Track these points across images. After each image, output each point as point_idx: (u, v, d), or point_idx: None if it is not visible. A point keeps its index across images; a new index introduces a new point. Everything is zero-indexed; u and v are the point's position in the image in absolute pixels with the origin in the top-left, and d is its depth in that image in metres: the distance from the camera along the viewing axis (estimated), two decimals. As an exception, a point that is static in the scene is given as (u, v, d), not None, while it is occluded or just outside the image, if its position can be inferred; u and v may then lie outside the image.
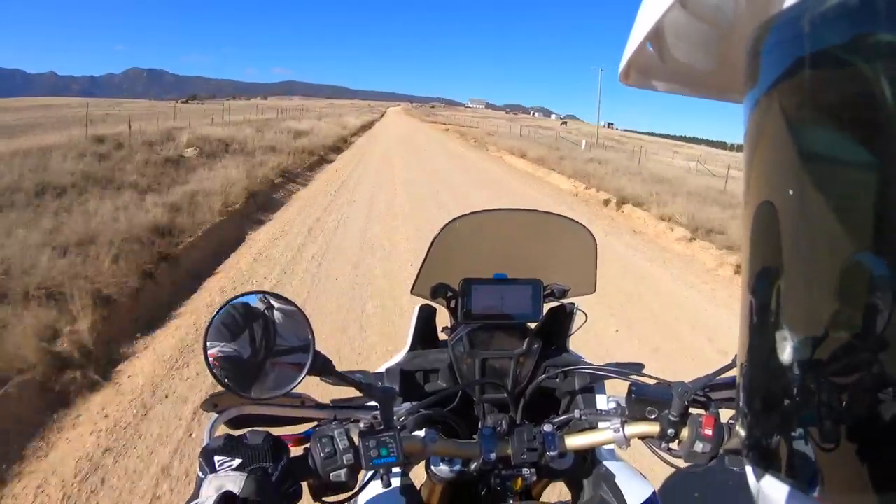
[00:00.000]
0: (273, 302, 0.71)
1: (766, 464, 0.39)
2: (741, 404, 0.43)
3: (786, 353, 0.37)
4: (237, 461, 0.64)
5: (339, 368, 0.74)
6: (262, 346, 0.70)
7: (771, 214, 0.38)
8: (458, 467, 0.85)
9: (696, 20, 0.47)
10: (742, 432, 0.43)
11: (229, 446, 0.65)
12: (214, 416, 0.79)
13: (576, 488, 0.95)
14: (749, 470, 0.42)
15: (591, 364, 1.02)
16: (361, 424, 0.71)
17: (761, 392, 0.41)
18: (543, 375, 1.01)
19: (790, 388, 0.37)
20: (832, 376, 0.35)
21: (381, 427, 0.72)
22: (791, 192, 0.36)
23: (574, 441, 0.82)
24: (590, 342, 3.50)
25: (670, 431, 0.77)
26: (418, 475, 0.93)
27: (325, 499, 0.72)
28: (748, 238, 0.41)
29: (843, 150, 0.34)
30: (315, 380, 0.73)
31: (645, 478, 0.93)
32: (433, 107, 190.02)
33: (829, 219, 0.35)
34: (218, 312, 0.68)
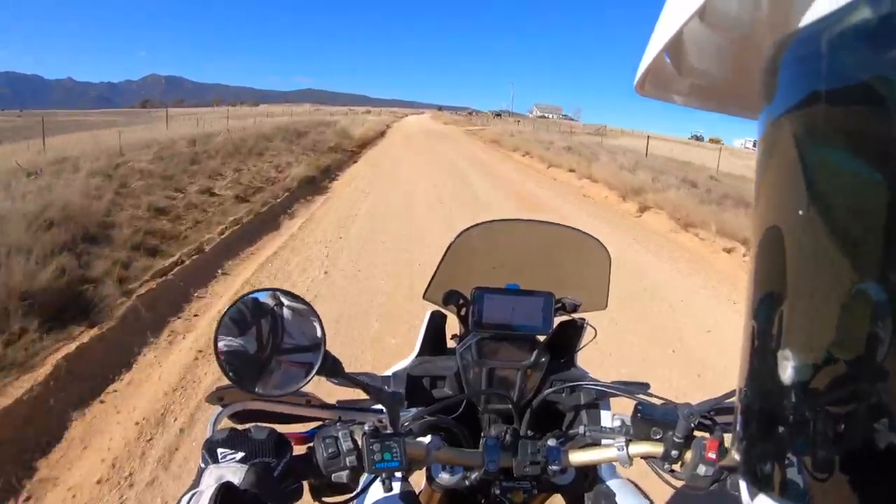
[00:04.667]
0: (284, 300, 0.72)
1: (762, 485, 0.39)
2: (738, 429, 0.43)
3: (787, 379, 0.36)
4: (240, 454, 0.64)
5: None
6: (269, 343, 0.70)
7: (778, 241, 0.38)
8: (459, 476, 0.85)
9: (716, 33, 0.46)
10: (737, 456, 0.43)
11: (233, 439, 0.66)
12: (219, 408, 0.79)
13: None
14: (743, 487, 0.41)
15: (597, 380, 1.01)
16: (366, 427, 0.71)
17: (760, 417, 0.41)
18: (550, 389, 1.01)
19: (789, 415, 0.37)
20: (832, 405, 0.34)
21: (387, 431, 0.72)
22: (801, 213, 0.35)
23: (577, 457, 0.82)
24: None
25: (674, 453, 0.76)
26: (418, 482, 0.93)
27: (324, 499, 0.72)
28: (754, 264, 0.40)
29: (856, 176, 0.34)
30: (319, 379, 0.73)
31: (646, 497, 0.92)
32: (471, 113, 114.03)
33: (838, 247, 0.34)
34: (230, 307, 0.69)
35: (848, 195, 0.34)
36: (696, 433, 0.76)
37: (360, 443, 0.70)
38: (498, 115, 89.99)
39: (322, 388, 0.82)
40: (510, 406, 0.97)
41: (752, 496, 0.39)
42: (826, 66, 0.33)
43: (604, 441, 0.83)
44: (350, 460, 0.68)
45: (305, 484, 0.70)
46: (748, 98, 0.50)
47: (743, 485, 0.41)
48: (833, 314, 0.34)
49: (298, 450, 0.72)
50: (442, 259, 1.09)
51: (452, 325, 1.17)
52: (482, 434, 0.93)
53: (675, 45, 0.48)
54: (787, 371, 0.36)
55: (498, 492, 0.86)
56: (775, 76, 0.38)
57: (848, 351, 0.33)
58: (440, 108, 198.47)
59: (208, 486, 0.58)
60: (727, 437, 0.75)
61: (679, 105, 0.59)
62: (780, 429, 0.38)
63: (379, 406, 0.78)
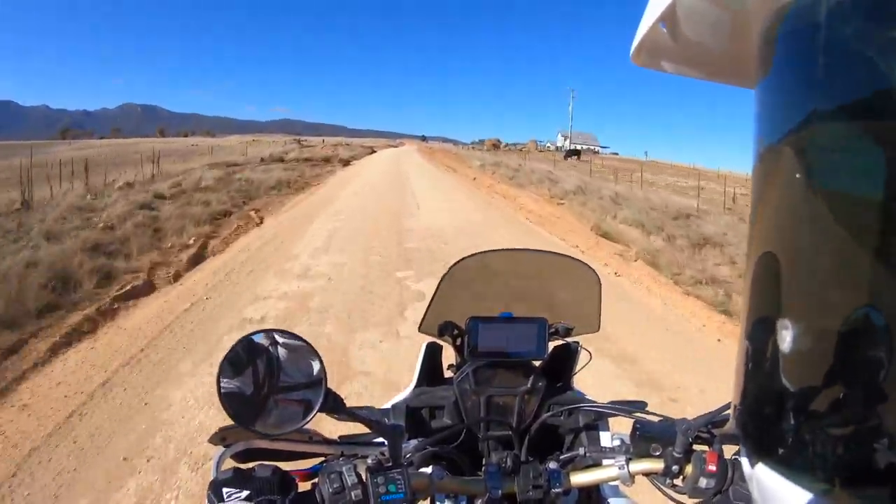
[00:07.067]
0: (279, 339, 0.72)
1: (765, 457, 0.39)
2: (739, 454, 0.43)
3: (779, 399, 0.37)
4: (245, 493, 0.64)
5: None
6: (265, 383, 0.71)
7: (772, 262, 0.38)
8: None
9: (710, 2, 0.46)
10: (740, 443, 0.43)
11: (238, 479, 0.66)
12: (222, 449, 0.79)
13: None
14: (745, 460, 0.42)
15: (595, 402, 1.03)
16: (369, 460, 0.72)
17: (755, 437, 0.41)
18: (548, 413, 1.02)
19: (787, 435, 0.37)
20: (830, 426, 0.35)
21: (389, 463, 0.72)
22: (798, 176, 0.35)
23: (579, 478, 0.82)
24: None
25: (674, 468, 0.77)
26: None
27: None
28: (749, 284, 0.41)
29: (852, 144, 0.33)
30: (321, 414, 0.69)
31: None
32: (496, 146, 76.39)
33: (832, 265, 0.34)
34: (229, 351, 0.69)
35: (843, 168, 0.34)
36: (695, 447, 0.78)
37: (364, 476, 0.70)
38: (575, 153, 48.15)
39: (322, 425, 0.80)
40: (510, 432, 0.98)
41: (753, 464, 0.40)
42: (823, 36, 0.33)
43: (604, 461, 0.84)
44: (355, 494, 0.68)
45: None
46: (744, 68, 0.50)
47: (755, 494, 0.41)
48: (828, 336, 0.34)
49: (303, 486, 0.71)
50: (435, 292, 1.11)
51: (449, 356, 1.18)
52: (483, 461, 0.93)
53: (671, 14, 0.48)
54: (782, 390, 0.36)
55: None
56: (772, 47, 0.38)
57: (843, 372, 0.33)
58: (424, 139, 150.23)
59: None
60: (726, 449, 0.77)
61: (674, 74, 0.59)
62: (779, 450, 0.38)
63: (380, 439, 0.78)
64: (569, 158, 41.01)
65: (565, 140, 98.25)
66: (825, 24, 0.33)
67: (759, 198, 0.41)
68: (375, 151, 46.98)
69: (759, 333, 0.40)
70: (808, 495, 0.35)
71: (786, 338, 0.37)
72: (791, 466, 0.37)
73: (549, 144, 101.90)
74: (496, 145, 73.33)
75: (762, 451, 0.40)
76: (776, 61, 0.38)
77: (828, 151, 0.35)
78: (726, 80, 0.58)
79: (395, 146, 73.17)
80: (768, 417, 0.39)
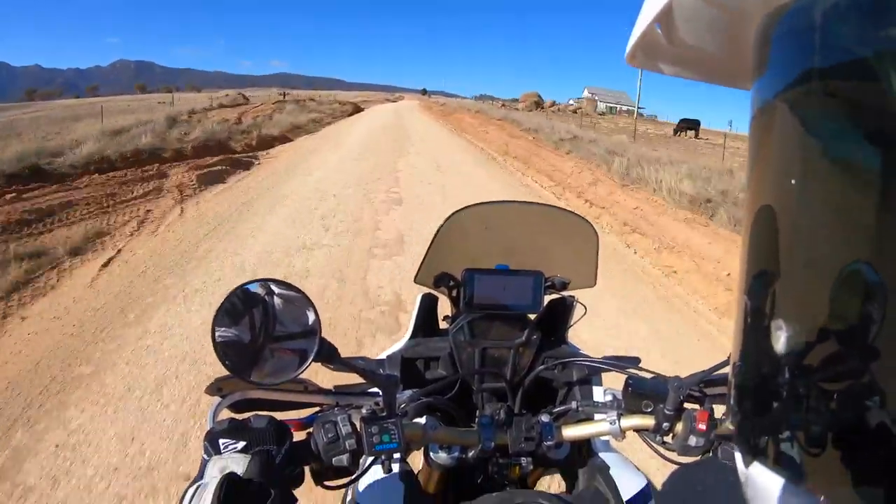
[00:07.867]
0: (274, 288, 0.71)
1: (756, 454, 0.40)
2: (732, 402, 0.43)
3: (779, 355, 0.37)
4: (241, 443, 0.65)
5: None
6: (261, 332, 0.70)
7: (771, 217, 0.38)
8: (456, 455, 0.86)
9: (707, 3, 0.46)
10: (732, 426, 0.44)
11: (234, 429, 0.66)
12: (218, 399, 0.80)
13: (571, 478, 0.97)
14: (738, 457, 0.42)
15: (589, 356, 1.03)
16: (363, 410, 0.72)
17: (753, 391, 0.41)
18: (542, 366, 1.03)
19: (782, 390, 0.37)
20: (823, 380, 0.35)
21: (384, 413, 0.73)
22: (794, 182, 0.35)
23: (571, 432, 0.83)
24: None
25: (665, 425, 0.78)
26: (416, 463, 0.94)
27: (326, 483, 0.73)
28: (747, 239, 0.40)
29: (848, 146, 0.33)
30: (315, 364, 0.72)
31: (639, 469, 0.95)
32: (539, 103, 54.44)
33: (829, 222, 0.35)
34: (224, 300, 0.69)
35: (839, 168, 0.34)
36: (686, 405, 0.79)
37: (358, 426, 0.71)
38: (692, 125, 32.48)
39: (317, 375, 0.82)
40: (503, 384, 0.99)
41: (747, 465, 0.40)
42: (819, 38, 0.33)
43: (596, 416, 0.85)
44: (349, 444, 0.69)
45: (307, 469, 0.71)
46: (740, 69, 0.49)
47: (738, 454, 0.42)
48: (825, 292, 0.34)
49: (298, 436, 0.72)
50: (431, 242, 1.10)
51: (444, 307, 1.18)
52: (477, 413, 0.94)
53: (666, 15, 0.47)
54: (779, 347, 0.36)
55: (495, 468, 0.88)
56: (767, 48, 0.38)
57: (840, 329, 0.33)
58: (425, 93, 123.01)
59: (212, 477, 0.59)
60: (717, 409, 0.78)
61: (670, 76, 0.58)
62: (774, 403, 0.38)
63: (375, 389, 0.79)
64: (680, 133, 24.18)
65: (592, 96, 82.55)
66: (822, 23, 0.32)
67: (756, 151, 0.40)
68: (362, 109, 33.05)
69: (758, 293, 0.40)
70: (798, 452, 0.36)
71: (784, 297, 0.37)
72: (787, 423, 0.37)
73: (571, 102, 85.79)
74: (538, 103, 52.15)
75: (757, 412, 0.40)
76: (772, 61, 0.37)
77: (823, 153, 0.35)
78: (723, 82, 0.57)
79: (394, 101, 66.53)
80: (766, 374, 0.39)
